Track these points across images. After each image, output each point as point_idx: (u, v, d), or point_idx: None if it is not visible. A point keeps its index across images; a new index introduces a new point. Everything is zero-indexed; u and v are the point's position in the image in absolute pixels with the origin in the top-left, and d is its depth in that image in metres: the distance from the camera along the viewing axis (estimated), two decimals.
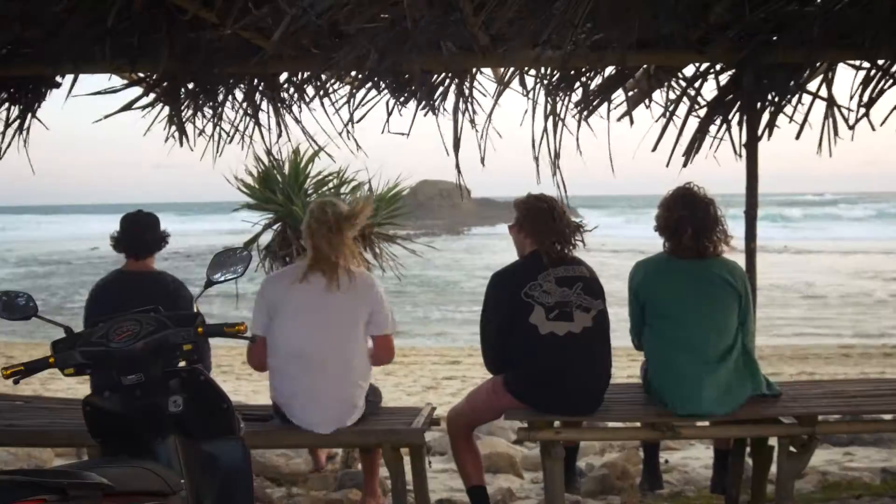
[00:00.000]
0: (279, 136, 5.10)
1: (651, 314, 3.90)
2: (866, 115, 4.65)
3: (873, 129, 4.66)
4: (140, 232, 4.23)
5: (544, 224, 3.86)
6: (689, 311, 3.78)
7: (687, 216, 3.80)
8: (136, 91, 4.90)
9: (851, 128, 4.67)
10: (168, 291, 4.06)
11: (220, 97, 4.90)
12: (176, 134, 4.97)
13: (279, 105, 4.98)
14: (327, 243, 3.75)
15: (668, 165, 4.73)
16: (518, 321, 3.76)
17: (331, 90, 4.76)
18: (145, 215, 4.33)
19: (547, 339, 3.71)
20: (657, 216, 3.93)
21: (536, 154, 4.58)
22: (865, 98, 4.64)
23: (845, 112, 4.67)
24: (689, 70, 4.76)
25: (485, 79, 4.71)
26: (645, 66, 4.66)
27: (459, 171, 4.65)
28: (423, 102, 4.66)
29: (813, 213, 62.30)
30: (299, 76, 4.88)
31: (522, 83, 4.63)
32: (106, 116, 4.92)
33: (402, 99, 4.69)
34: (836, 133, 4.70)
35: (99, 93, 4.78)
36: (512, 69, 4.61)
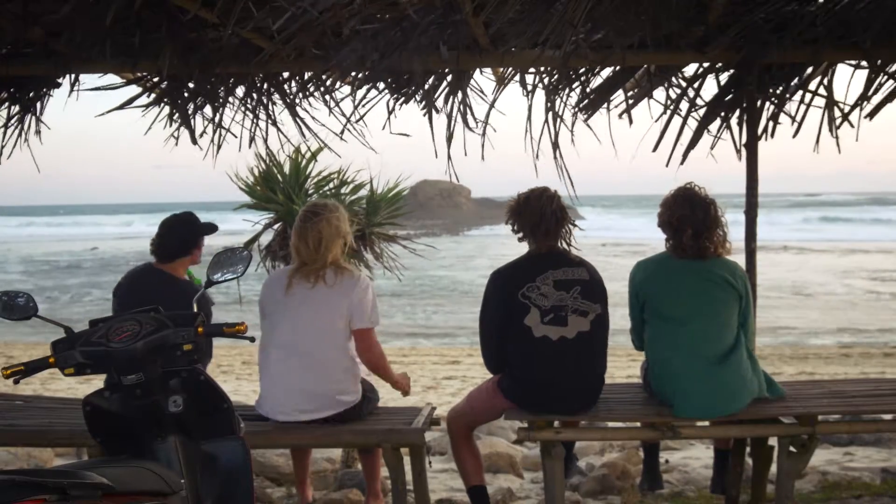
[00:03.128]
0: (280, 135, 5.11)
1: (651, 314, 3.89)
2: (868, 114, 4.66)
3: (871, 125, 4.68)
4: (165, 238, 4.21)
5: (526, 214, 3.83)
6: (690, 312, 3.78)
7: (687, 215, 3.80)
8: (137, 90, 4.91)
9: (843, 124, 4.67)
10: (185, 295, 4.01)
11: (221, 97, 4.90)
12: (176, 134, 4.97)
13: (280, 105, 4.98)
14: (311, 259, 3.79)
15: (667, 165, 4.73)
16: (514, 322, 3.76)
17: (332, 90, 4.76)
18: (173, 218, 4.28)
19: (540, 343, 3.71)
20: (659, 214, 3.94)
21: (536, 154, 4.58)
22: (865, 98, 4.64)
23: (845, 111, 4.67)
24: (689, 70, 4.76)
25: (485, 78, 4.72)
26: (645, 65, 4.66)
27: (450, 159, 4.62)
28: (424, 102, 4.66)
29: (814, 213, 62.30)
30: (300, 76, 4.88)
31: (523, 83, 4.63)
32: (108, 111, 4.92)
33: (402, 99, 4.69)
34: (834, 133, 4.70)
35: (99, 88, 4.78)
36: (512, 69, 4.61)
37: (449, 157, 4.61)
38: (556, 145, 4.62)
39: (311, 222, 3.82)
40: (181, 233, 4.24)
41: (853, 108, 4.64)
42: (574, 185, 4.60)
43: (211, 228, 4.31)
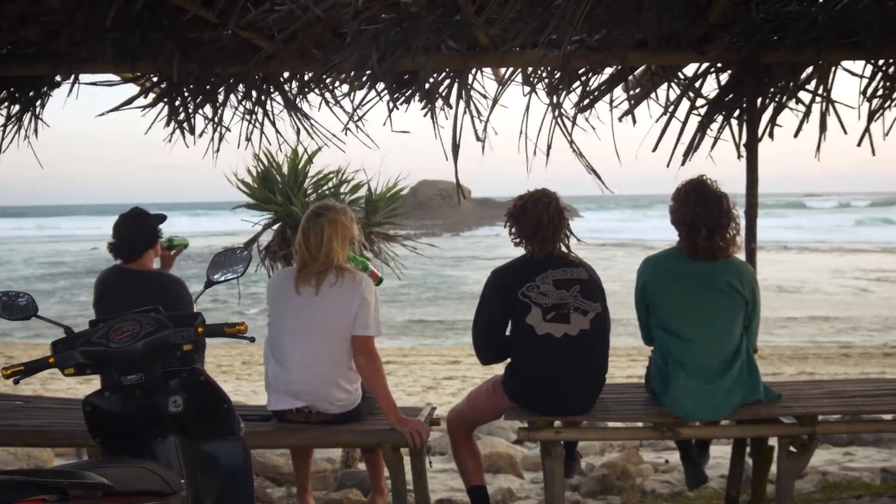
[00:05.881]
0: (279, 135, 5.10)
1: (655, 316, 3.86)
2: (868, 115, 4.66)
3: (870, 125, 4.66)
4: (125, 237, 4.19)
5: (523, 221, 3.82)
6: (694, 318, 3.73)
7: (701, 214, 3.73)
8: (137, 89, 4.91)
9: (843, 125, 4.67)
10: (165, 291, 4.04)
11: (221, 97, 4.89)
12: (176, 133, 4.97)
13: (280, 104, 4.98)
14: (311, 260, 3.74)
15: (668, 165, 4.73)
16: (515, 321, 3.75)
17: (332, 90, 4.76)
18: (129, 217, 4.25)
19: (543, 341, 3.70)
20: (671, 209, 3.87)
21: (536, 154, 4.58)
22: (866, 98, 4.64)
23: (846, 112, 4.68)
24: (689, 69, 4.76)
25: (486, 78, 4.71)
26: (645, 65, 4.66)
27: (457, 174, 4.61)
28: (424, 102, 4.66)
29: (815, 213, 62.31)
30: (300, 76, 4.88)
31: (525, 83, 4.63)
32: (108, 112, 4.91)
33: (402, 99, 4.68)
34: (833, 133, 4.71)
35: (97, 84, 4.77)
36: (512, 69, 4.60)
37: (455, 171, 4.58)
38: (554, 148, 4.62)
39: (314, 222, 3.76)
40: (140, 229, 4.22)
41: (867, 112, 4.63)
42: (574, 186, 4.61)
43: (161, 219, 4.32)
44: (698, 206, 3.75)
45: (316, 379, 3.73)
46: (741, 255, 4.19)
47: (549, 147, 4.61)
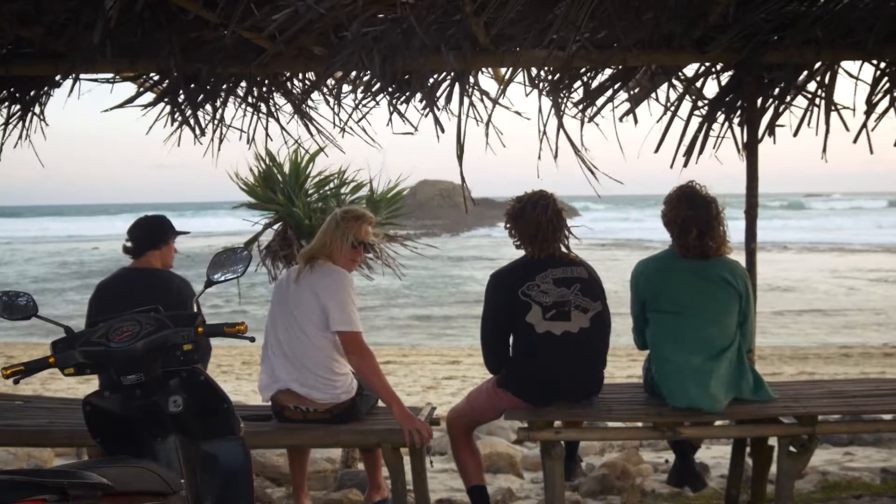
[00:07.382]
0: (282, 133, 5.10)
1: (652, 313, 3.90)
2: (868, 114, 4.65)
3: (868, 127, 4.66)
4: (133, 233, 4.31)
5: (522, 223, 3.85)
6: (689, 311, 3.78)
7: (691, 216, 3.81)
8: (138, 88, 4.90)
9: (843, 124, 4.67)
10: (169, 288, 4.07)
11: (222, 96, 4.89)
12: (177, 133, 4.96)
13: (281, 102, 4.98)
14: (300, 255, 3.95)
15: (671, 166, 4.73)
16: (516, 320, 3.76)
17: (333, 90, 4.76)
18: (142, 218, 4.40)
19: (543, 339, 3.72)
20: (662, 213, 3.96)
21: (538, 154, 4.57)
22: (867, 98, 4.64)
23: (847, 112, 4.67)
24: (690, 69, 4.76)
25: (487, 78, 4.71)
26: (646, 66, 4.66)
27: (464, 181, 4.62)
28: (425, 103, 4.66)
29: (815, 213, 62.34)
30: (301, 76, 4.88)
31: (531, 82, 4.62)
32: (112, 108, 4.91)
33: (402, 99, 4.68)
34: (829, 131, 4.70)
35: (98, 81, 4.77)
36: (513, 69, 4.60)
37: (462, 176, 4.59)
38: (555, 148, 4.61)
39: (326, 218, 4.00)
40: (149, 229, 4.33)
41: (868, 112, 4.62)
42: (575, 186, 4.62)
43: (181, 231, 4.44)
44: (689, 210, 3.83)
45: (295, 363, 3.80)
46: (741, 257, 4.20)
47: (555, 148, 4.60)
